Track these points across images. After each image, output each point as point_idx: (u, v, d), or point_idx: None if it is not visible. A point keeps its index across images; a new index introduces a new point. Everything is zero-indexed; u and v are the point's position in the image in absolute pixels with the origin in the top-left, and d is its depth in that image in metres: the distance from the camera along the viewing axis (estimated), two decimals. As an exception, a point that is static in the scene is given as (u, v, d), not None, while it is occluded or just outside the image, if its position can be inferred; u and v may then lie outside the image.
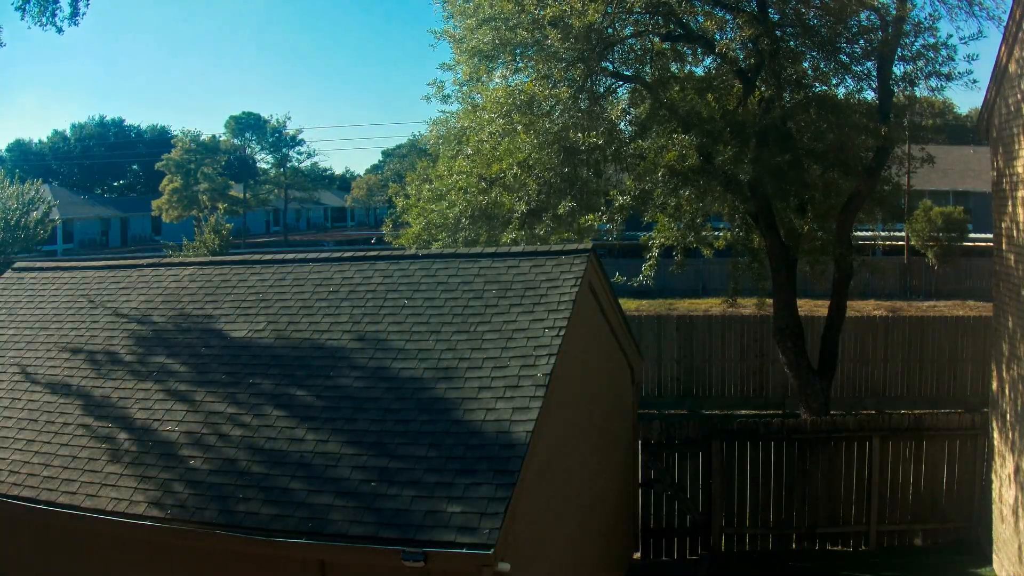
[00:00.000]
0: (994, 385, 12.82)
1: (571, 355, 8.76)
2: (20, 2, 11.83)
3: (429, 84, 22.02)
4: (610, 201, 15.19)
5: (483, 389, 7.85)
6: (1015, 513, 11.54)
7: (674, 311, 31.33)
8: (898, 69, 14.53)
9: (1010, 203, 11.88)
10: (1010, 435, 11.94)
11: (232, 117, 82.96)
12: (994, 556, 12.50)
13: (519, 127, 14.46)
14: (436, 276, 9.65)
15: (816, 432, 13.72)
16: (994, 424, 12.76)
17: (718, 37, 14.44)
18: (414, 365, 8.34)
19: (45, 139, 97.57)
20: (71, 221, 69.16)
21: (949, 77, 13.92)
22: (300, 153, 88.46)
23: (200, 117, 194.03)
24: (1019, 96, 11.34)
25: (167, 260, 12.25)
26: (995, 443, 12.71)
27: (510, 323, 8.62)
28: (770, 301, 16.63)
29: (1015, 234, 11.66)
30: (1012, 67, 11.66)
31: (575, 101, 13.88)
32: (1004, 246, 12.25)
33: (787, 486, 13.65)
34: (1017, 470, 11.51)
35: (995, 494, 12.54)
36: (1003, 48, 11.84)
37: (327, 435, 7.70)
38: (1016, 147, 11.52)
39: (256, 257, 11.15)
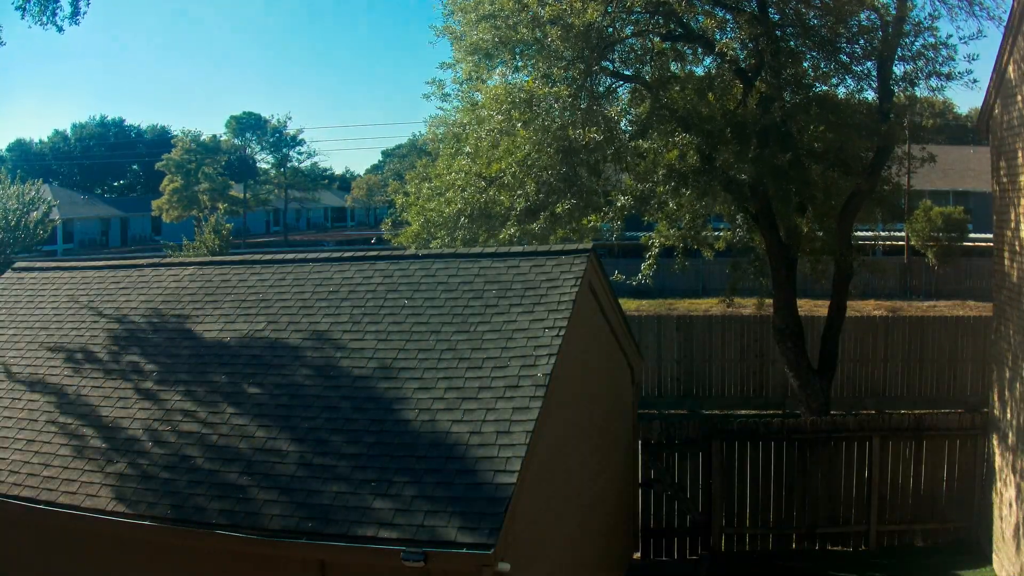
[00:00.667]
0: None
1: (571, 355, 8.76)
2: (21, 1, 11.82)
3: (429, 82, 22.09)
4: (610, 200, 15.18)
5: (483, 389, 7.85)
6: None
7: (674, 311, 31.33)
8: (898, 69, 14.54)
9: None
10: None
11: (232, 117, 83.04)
12: (994, 556, 12.50)
13: (518, 125, 14.45)
14: (436, 276, 9.65)
15: (816, 432, 13.72)
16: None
17: (718, 37, 14.43)
18: (414, 365, 8.34)
19: (45, 139, 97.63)
20: (71, 221, 69.13)
21: (949, 77, 13.92)
22: (300, 153, 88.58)
23: (200, 117, 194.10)
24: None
25: (167, 260, 12.25)
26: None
27: (510, 323, 8.62)
28: (770, 301, 16.64)
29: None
30: (1011, 72, 11.61)
31: (575, 100, 13.88)
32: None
33: (787, 486, 13.65)
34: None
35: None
36: (1004, 52, 11.79)
37: (325, 435, 7.71)
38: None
39: (256, 257, 11.15)
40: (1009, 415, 11.95)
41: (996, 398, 12.67)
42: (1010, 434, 11.88)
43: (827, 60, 14.38)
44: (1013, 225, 11.75)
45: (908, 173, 19.11)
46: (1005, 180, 12.16)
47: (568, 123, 13.95)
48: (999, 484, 12.40)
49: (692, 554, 13.74)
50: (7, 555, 8.33)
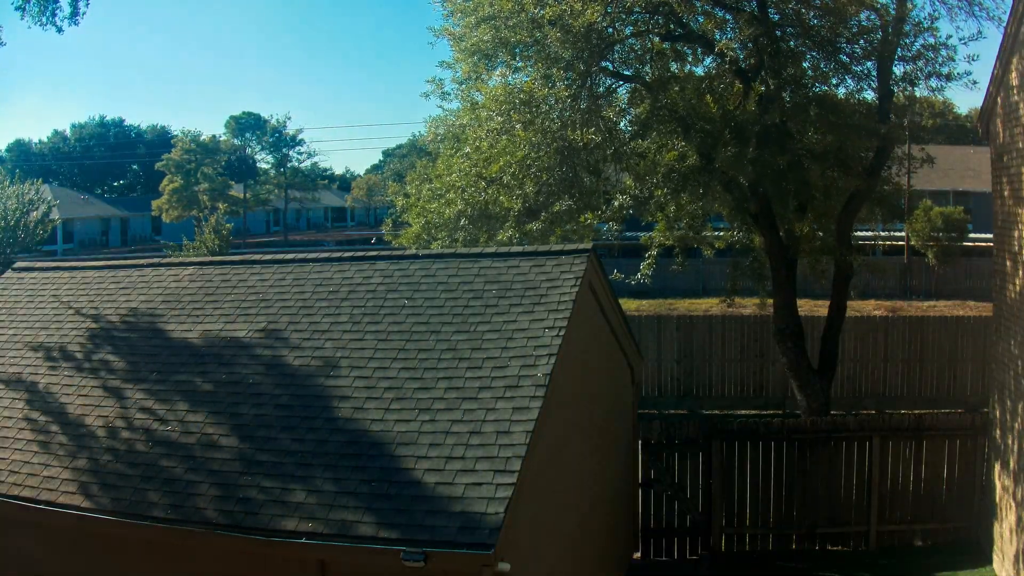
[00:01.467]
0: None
1: (571, 355, 8.76)
2: (20, 2, 11.82)
3: (428, 81, 22.04)
4: (609, 200, 15.19)
5: (483, 389, 7.85)
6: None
7: (674, 311, 31.34)
8: (898, 69, 14.55)
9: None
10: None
11: (232, 117, 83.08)
12: (994, 556, 12.49)
13: (518, 126, 14.45)
14: (436, 276, 9.65)
15: (816, 432, 13.72)
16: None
17: (718, 37, 14.43)
18: (415, 365, 8.34)
19: (45, 139, 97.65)
20: (71, 221, 69.10)
21: (949, 77, 13.93)
22: (300, 153, 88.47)
23: (200, 117, 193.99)
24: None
25: (167, 260, 12.25)
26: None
27: (510, 323, 8.62)
28: (770, 301, 16.65)
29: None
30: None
31: (575, 101, 13.88)
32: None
33: (787, 486, 13.65)
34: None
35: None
36: (1004, 54, 11.74)
37: (325, 435, 7.70)
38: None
39: (256, 257, 11.15)
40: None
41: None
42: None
43: (827, 60, 14.39)
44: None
45: (908, 173, 19.11)
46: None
47: (568, 123, 13.95)
48: (999, 484, 12.38)
49: (692, 554, 13.74)
50: (6, 555, 8.33)
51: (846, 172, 14.70)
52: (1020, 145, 11.38)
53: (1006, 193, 12.12)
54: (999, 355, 12.53)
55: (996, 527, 12.37)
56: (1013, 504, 11.59)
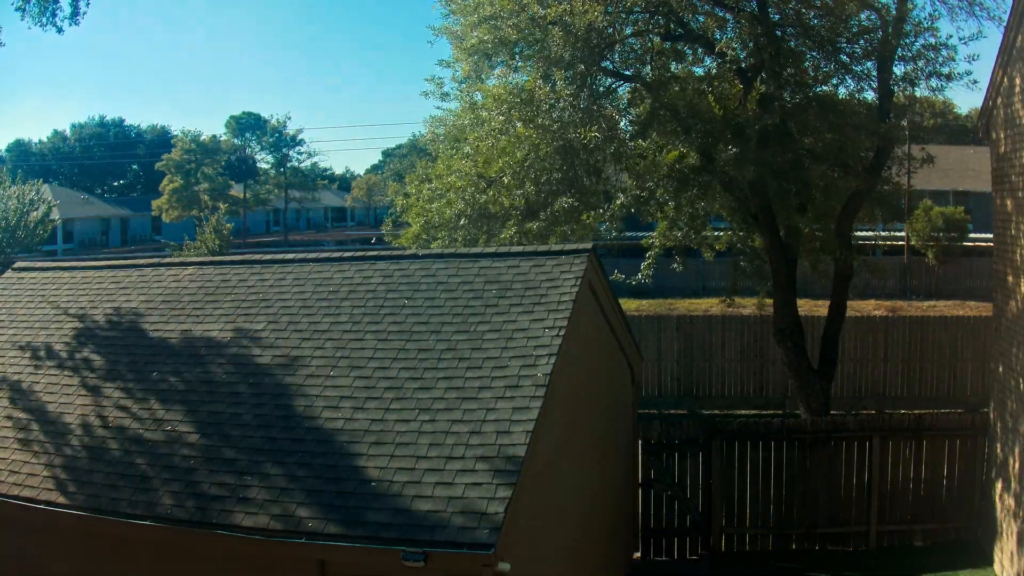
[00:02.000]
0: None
1: (571, 355, 8.76)
2: (20, 2, 11.82)
3: (428, 80, 22.03)
4: (610, 200, 15.18)
5: (483, 389, 7.84)
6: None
7: (674, 311, 31.33)
8: (898, 69, 14.55)
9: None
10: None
11: (232, 117, 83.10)
12: (994, 556, 12.48)
13: (519, 124, 14.44)
14: (436, 276, 9.65)
15: (816, 432, 13.72)
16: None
17: (718, 37, 14.43)
18: (414, 365, 8.34)
19: (45, 139, 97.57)
20: (71, 221, 69.06)
21: (949, 77, 13.92)
22: (300, 153, 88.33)
23: (200, 117, 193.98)
24: None
25: (167, 260, 12.25)
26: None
27: (510, 323, 8.62)
28: (770, 301, 16.65)
29: None
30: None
31: (575, 100, 13.87)
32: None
33: (787, 486, 13.65)
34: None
35: (996, 512, 12.42)
36: (1003, 55, 11.72)
37: (325, 435, 7.70)
38: None
39: (256, 257, 11.15)
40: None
41: (999, 424, 12.47)
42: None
43: (827, 60, 14.38)
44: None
45: (908, 173, 19.08)
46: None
47: (568, 123, 13.94)
48: (999, 484, 12.36)
49: (692, 554, 13.74)
50: (6, 555, 8.32)
51: (846, 172, 14.71)
52: (1022, 156, 11.36)
53: (1008, 204, 12.08)
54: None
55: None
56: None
